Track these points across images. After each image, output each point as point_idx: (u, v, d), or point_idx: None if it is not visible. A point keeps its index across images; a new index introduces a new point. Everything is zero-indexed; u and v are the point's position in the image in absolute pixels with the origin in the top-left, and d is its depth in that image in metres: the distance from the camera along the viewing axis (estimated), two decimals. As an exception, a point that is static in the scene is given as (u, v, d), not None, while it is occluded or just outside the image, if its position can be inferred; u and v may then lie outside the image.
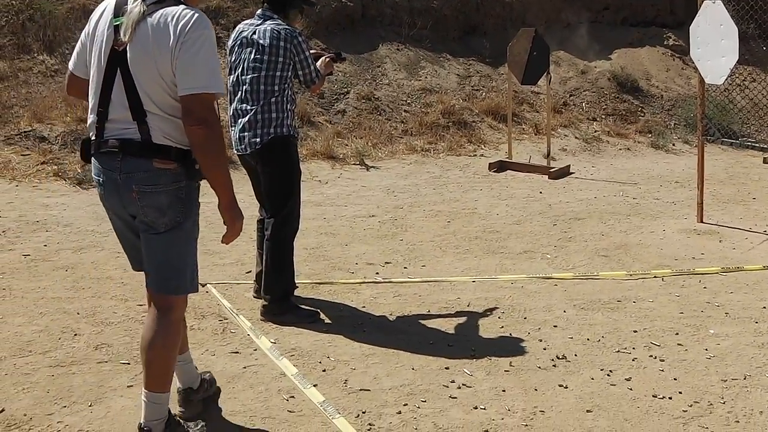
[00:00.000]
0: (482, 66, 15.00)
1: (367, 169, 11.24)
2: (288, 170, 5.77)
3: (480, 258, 7.44)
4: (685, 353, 5.28)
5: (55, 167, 9.99)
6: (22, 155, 10.20)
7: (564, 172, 11.43)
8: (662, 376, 4.92)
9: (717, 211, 9.28)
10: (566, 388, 4.76)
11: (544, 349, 5.31)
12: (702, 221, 8.75)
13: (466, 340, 5.44)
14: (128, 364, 4.99)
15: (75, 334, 5.46)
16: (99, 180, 3.79)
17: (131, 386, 4.67)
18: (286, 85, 5.70)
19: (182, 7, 3.65)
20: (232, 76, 5.83)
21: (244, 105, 5.71)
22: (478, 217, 8.94)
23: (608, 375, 4.93)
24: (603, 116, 14.41)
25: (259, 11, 5.86)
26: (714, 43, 8.30)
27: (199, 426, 4.13)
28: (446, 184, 10.67)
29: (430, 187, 10.42)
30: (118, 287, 6.45)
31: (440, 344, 5.38)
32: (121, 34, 3.62)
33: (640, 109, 14.93)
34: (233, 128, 5.80)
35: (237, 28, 5.92)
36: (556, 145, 12.71)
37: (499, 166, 11.54)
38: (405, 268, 7.10)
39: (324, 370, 4.94)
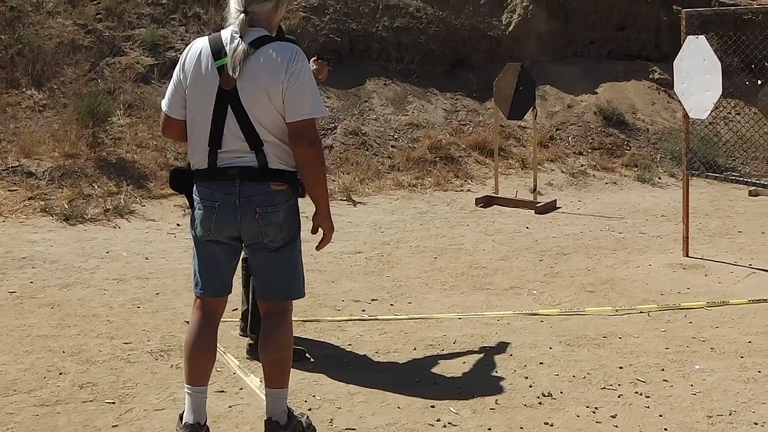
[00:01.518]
0: (469, 100, 15.09)
1: (354, 205, 11.26)
2: None
3: (466, 294, 7.46)
4: (671, 389, 5.28)
5: (42, 203, 9.99)
6: (9, 191, 10.19)
7: (550, 207, 11.47)
8: (648, 413, 4.92)
9: (703, 244, 9.32)
10: (552, 425, 4.75)
11: (530, 386, 5.31)
12: (688, 255, 8.79)
13: (452, 378, 5.44)
14: (113, 403, 4.96)
15: (60, 373, 5.44)
16: (213, 204, 4.11)
17: (116, 426, 4.65)
18: None
19: (279, 42, 4.07)
20: None
21: None
22: (465, 252, 8.96)
23: (594, 412, 4.92)
24: (589, 150, 14.49)
25: None
26: (698, 78, 8.36)
27: (308, 419, 4.56)
28: (433, 219, 10.70)
29: (417, 223, 10.44)
30: (104, 325, 6.44)
31: (426, 382, 5.37)
32: (230, 73, 3.99)
33: (626, 142, 15.02)
34: None
35: None
36: (542, 179, 12.77)
37: (486, 201, 11.58)
38: (391, 305, 7.10)
39: (310, 409, 4.92)
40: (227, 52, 4.00)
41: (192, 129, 4.15)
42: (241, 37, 4.00)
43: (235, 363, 5.57)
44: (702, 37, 8.43)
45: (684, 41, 8.65)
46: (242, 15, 4.03)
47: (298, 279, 4.34)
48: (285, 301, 4.33)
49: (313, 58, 6.43)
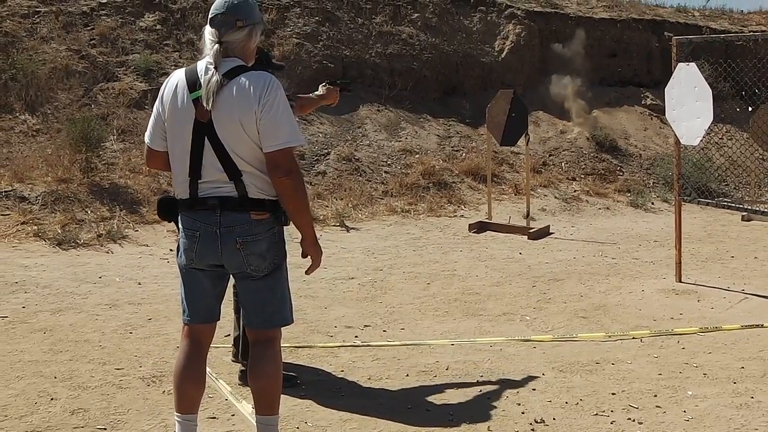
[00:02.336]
0: (462, 126, 15.15)
1: (348, 231, 11.28)
2: None
3: (459, 320, 7.45)
4: (664, 415, 5.27)
5: (35, 227, 9.98)
6: (1, 215, 10.19)
7: (543, 233, 11.49)
8: (640, 440, 4.93)
9: (695, 270, 9.34)
10: (544, 452, 4.75)
11: (522, 413, 5.29)
12: (680, 281, 8.79)
13: (444, 405, 5.42)
14: (105, 429, 4.95)
15: (51, 399, 5.42)
16: (194, 234, 4.12)
17: (107, 453, 4.64)
18: None
19: (253, 72, 4.05)
20: None
21: None
22: (458, 278, 8.97)
23: (586, 439, 4.93)
24: (582, 176, 14.54)
25: None
26: (689, 105, 8.38)
27: None
28: (426, 245, 10.71)
29: (410, 249, 10.45)
30: (96, 350, 6.42)
31: (418, 409, 5.35)
32: (204, 105, 3.99)
33: (618, 168, 15.08)
34: None
35: None
36: (535, 205, 12.79)
37: (479, 227, 11.59)
38: (384, 331, 7.09)
39: (302, 436, 4.92)
40: (202, 83, 4.02)
41: (173, 160, 4.17)
42: (215, 68, 4.00)
43: (227, 389, 5.55)
44: (693, 65, 8.47)
45: (675, 68, 8.69)
46: (216, 45, 4.04)
47: (285, 307, 4.33)
48: (271, 329, 4.30)
49: (323, 84, 6.39)
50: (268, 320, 4.27)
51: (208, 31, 4.11)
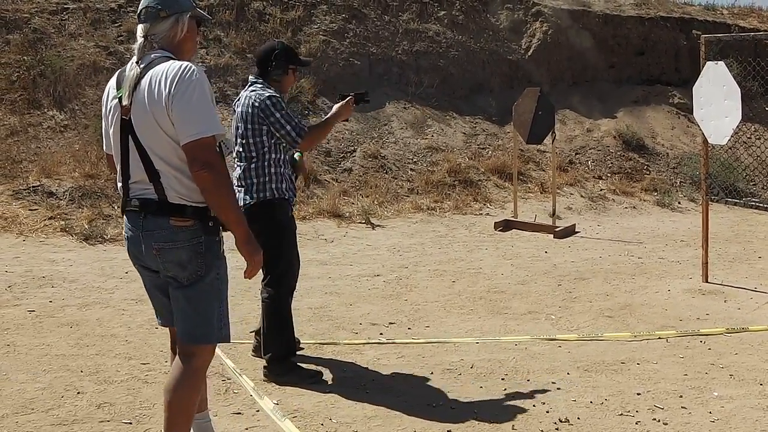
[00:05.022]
0: (488, 124, 15.12)
1: (373, 228, 11.29)
2: (273, 232, 5.76)
3: (484, 319, 7.44)
4: (689, 416, 5.24)
5: (63, 222, 10.06)
6: (29, 210, 10.27)
7: (569, 231, 11.45)
8: (666, 440, 4.91)
9: (722, 270, 9.27)
10: (569, 452, 4.74)
11: (547, 412, 5.28)
12: (707, 281, 8.74)
13: (468, 403, 5.42)
14: (130, 423, 4.98)
15: (78, 392, 5.46)
16: (126, 236, 3.99)
17: (133, 447, 4.67)
18: (265, 150, 5.74)
19: (171, 61, 3.82)
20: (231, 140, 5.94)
21: (234, 165, 5.87)
22: (483, 277, 8.96)
23: (611, 439, 4.91)
24: (609, 174, 14.48)
25: (250, 77, 5.99)
26: (717, 104, 8.34)
27: None
28: (452, 243, 10.71)
29: (436, 246, 10.45)
30: (122, 345, 6.46)
31: (443, 407, 5.35)
32: (123, 101, 3.83)
33: (645, 167, 15.00)
34: None
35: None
36: (561, 203, 12.76)
37: (505, 225, 11.58)
38: (409, 328, 7.09)
39: (326, 432, 4.93)
40: (123, 80, 3.88)
41: (114, 161, 4.03)
42: (137, 62, 3.86)
43: (250, 385, 5.56)
44: (721, 63, 8.41)
45: (703, 67, 8.63)
46: (141, 40, 3.91)
47: (208, 324, 3.95)
48: (188, 344, 3.97)
49: (342, 100, 6.12)
50: (186, 334, 3.96)
51: (139, 27, 3.97)
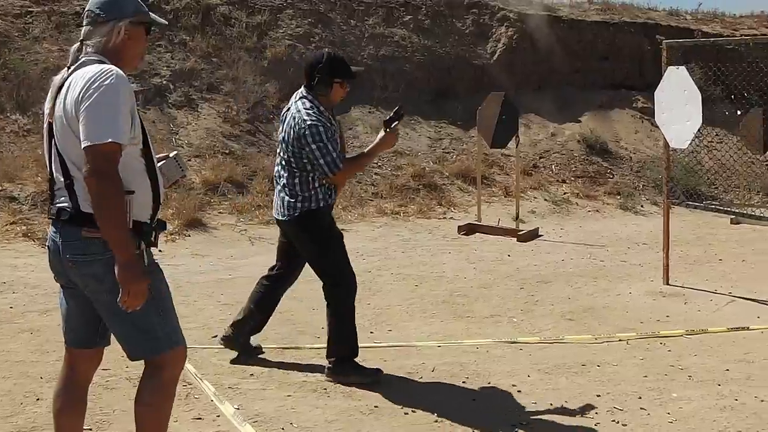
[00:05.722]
0: (453, 129, 15.18)
1: (337, 232, 11.29)
2: (320, 238, 5.84)
3: (446, 322, 7.47)
4: (648, 417, 5.30)
5: (24, 227, 9.99)
6: (-9, 215, 10.19)
7: (533, 235, 11.51)
8: (624, 442, 4.95)
9: (683, 272, 9.36)
10: (528, 454, 4.77)
11: (507, 414, 5.32)
12: (668, 283, 8.83)
13: (429, 407, 5.43)
14: (90, 429, 4.96)
15: (37, 399, 5.43)
16: (47, 245, 3.82)
17: (92, 453, 4.65)
18: (309, 169, 5.69)
19: (94, 65, 3.64)
20: (278, 140, 5.96)
21: (280, 172, 5.85)
22: (446, 280, 8.99)
23: (570, 441, 4.96)
24: (572, 178, 14.56)
25: (302, 87, 5.88)
26: (678, 108, 8.41)
27: None
28: (415, 247, 10.73)
29: (400, 251, 10.47)
30: (83, 351, 6.42)
31: (403, 410, 5.37)
32: (46, 106, 3.76)
33: (609, 170, 15.11)
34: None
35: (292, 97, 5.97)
36: (525, 207, 12.81)
37: (469, 229, 11.62)
38: (371, 332, 7.09)
39: (286, 437, 4.94)
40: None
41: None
42: (69, 67, 3.72)
43: (211, 390, 5.56)
44: (682, 68, 8.50)
45: (665, 72, 8.72)
46: (76, 45, 3.79)
47: (151, 337, 3.75)
48: (134, 359, 3.88)
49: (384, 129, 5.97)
50: (135, 350, 3.82)
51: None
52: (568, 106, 16.47)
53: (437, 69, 16.03)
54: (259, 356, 6.18)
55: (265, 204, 11.60)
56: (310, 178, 5.71)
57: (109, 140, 3.47)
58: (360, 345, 6.58)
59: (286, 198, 5.77)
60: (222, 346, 6.22)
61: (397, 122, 5.90)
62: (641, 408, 5.45)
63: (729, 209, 9.82)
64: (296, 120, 5.65)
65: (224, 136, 13.19)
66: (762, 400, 5.60)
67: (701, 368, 6.25)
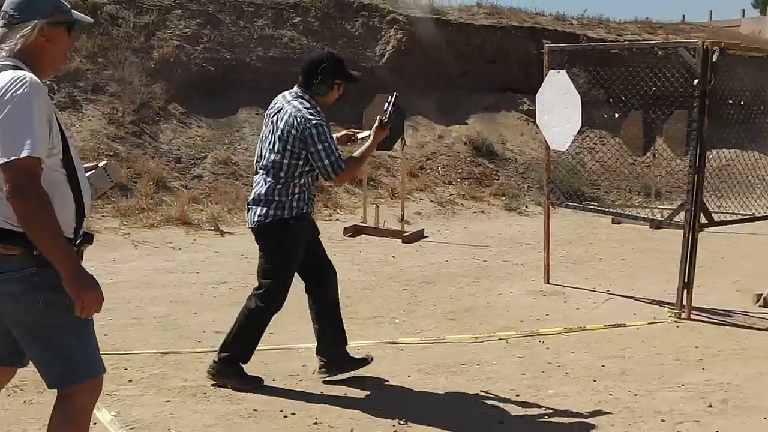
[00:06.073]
0: (342, 131, 15.16)
1: (222, 235, 11.21)
2: (278, 251, 5.79)
3: (329, 323, 7.46)
4: (525, 414, 5.39)
5: None
6: None
7: (418, 236, 11.60)
8: (499, 439, 5.03)
9: (564, 271, 9.55)
10: (405, 453, 4.80)
11: (387, 415, 5.34)
12: (548, 282, 9.00)
13: (309, 409, 5.43)
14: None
15: None
16: None
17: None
18: (296, 174, 5.58)
19: (8, 72, 3.39)
20: (258, 146, 5.82)
21: (258, 179, 5.72)
22: (330, 282, 8.97)
23: (447, 439, 5.00)
24: (458, 180, 14.73)
25: (295, 87, 5.76)
26: (559, 111, 8.55)
27: None
28: (301, 248, 10.68)
29: (285, 253, 10.41)
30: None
31: (283, 413, 5.35)
32: None
33: (494, 172, 15.34)
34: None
35: (276, 98, 5.83)
36: (411, 209, 12.91)
37: (354, 231, 11.65)
38: (253, 335, 7.05)
39: (164, 443, 4.88)
40: None
41: None
42: None
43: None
44: (563, 72, 8.64)
45: (546, 75, 8.87)
46: None
47: (67, 362, 3.52)
48: (51, 387, 3.61)
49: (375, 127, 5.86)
50: (49, 376, 3.57)
51: None
52: (456, 109, 16.64)
53: (326, 71, 16.01)
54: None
55: (149, 207, 11.46)
56: (292, 184, 5.60)
57: (26, 154, 3.24)
58: (242, 348, 6.55)
59: (260, 204, 5.67)
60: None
61: (391, 112, 5.86)
62: (519, 405, 5.53)
63: (606, 209, 10.07)
64: (298, 120, 5.50)
65: (109, 138, 12.95)
66: (636, 395, 5.76)
67: (578, 365, 6.39)
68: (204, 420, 5.22)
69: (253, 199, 5.73)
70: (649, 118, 12.60)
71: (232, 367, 5.81)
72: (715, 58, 7.73)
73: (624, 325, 7.49)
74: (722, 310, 8.21)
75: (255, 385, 5.80)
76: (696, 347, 6.95)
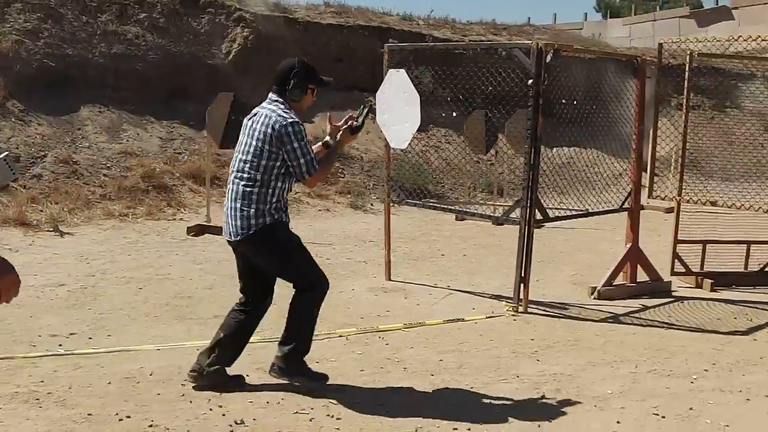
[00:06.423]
0: (186, 129, 15.04)
1: (62, 236, 10.93)
2: (282, 248, 5.74)
3: (169, 325, 7.38)
4: (361, 409, 5.45)
5: None
6: None
7: (202, 229, 11.56)
8: (338, 435, 5.07)
9: (406, 268, 9.70)
10: (241, 452, 4.80)
11: (224, 414, 5.32)
12: (390, 279, 9.12)
13: (144, 411, 5.36)
14: None
15: None
16: None
17: None
18: (273, 177, 5.55)
19: None
20: (235, 155, 5.73)
21: (233, 187, 5.67)
22: (171, 282, 8.89)
23: (285, 436, 5.02)
24: (305, 178, 14.73)
25: (269, 94, 5.73)
26: (398, 110, 8.66)
27: None
28: (142, 249, 10.55)
29: (126, 253, 10.25)
30: None
31: (118, 416, 5.26)
32: None
33: (340, 170, 15.43)
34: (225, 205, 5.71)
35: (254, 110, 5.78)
36: (256, 207, 12.83)
37: (198, 230, 11.54)
38: (90, 338, 6.90)
39: (-11, 453, 4.74)
40: None
41: None
42: None
43: None
44: (402, 71, 8.76)
45: (386, 74, 8.97)
46: None
47: None
48: None
49: (340, 130, 6.01)
50: None
51: None
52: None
53: (171, 68, 15.84)
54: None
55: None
56: (270, 189, 5.57)
57: None
58: (77, 352, 6.43)
59: (239, 216, 5.60)
60: None
61: (364, 117, 6.04)
62: (356, 402, 5.59)
63: (448, 207, 10.25)
64: (273, 120, 5.51)
65: (-58, 135, 12.48)
66: (472, 387, 5.91)
67: (416, 360, 6.50)
68: (36, 426, 5.09)
69: (231, 209, 5.70)
70: (492, 117, 12.87)
71: (300, 365, 5.88)
72: (548, 59, 7.99)
73: (463, 320, 7.66)
74: (559, 303, 8.51)
75: (323, 380, 5.89)
76: (532, 339, 7.17)
